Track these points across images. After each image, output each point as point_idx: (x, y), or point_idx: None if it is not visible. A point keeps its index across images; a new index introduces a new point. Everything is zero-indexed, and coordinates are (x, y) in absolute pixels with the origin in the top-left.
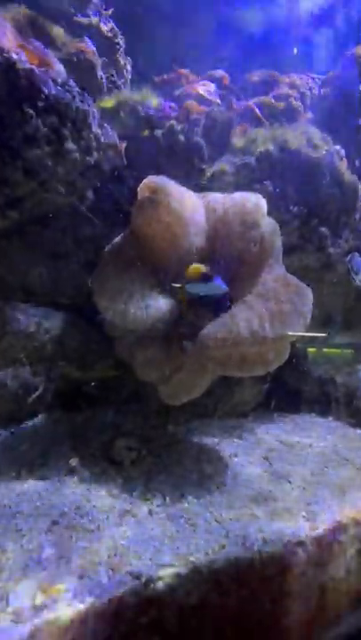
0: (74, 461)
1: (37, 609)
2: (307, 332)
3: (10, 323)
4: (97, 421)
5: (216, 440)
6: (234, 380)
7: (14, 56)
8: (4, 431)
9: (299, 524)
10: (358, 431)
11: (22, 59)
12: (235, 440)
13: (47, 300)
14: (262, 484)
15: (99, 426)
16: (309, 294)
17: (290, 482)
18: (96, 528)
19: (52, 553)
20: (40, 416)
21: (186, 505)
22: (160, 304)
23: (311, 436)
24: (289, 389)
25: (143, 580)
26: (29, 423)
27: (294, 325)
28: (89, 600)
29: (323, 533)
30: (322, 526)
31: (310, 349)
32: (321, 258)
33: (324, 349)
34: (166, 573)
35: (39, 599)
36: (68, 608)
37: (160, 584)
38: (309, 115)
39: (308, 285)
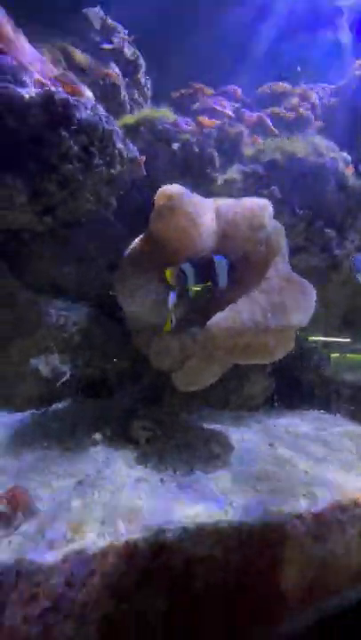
0: (97, 435)
1: (68, 541)
2: (324, 334)
3: (44, 315)
4: (117, 407)
5: (225, 427)
6: (244, 376)
7: (52, 88)
8: (36, 411)
9: (299, 501)
10: None
11: (59, 90)
12: (243, 428)
13: (74, 297)
14: (266, 465)
15: (119, 411)
16: (312, 291)
17: (293, 465)
18: (115, 489)
19: (79, 504)
20: (67, 400)
21: (194, 477)
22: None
23: (318, 428)
24: (299, 387)
25: (155, 530)
26: (58, 405)
27: (296, 318)
28: (109, 540)
29: (322, 511)
30: (321, 504)
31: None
32: (327, 259)
33: (349, 355)
34: (175, 527)
35: (69, 535)
36: (92, 544)
37: (170, 535)
38: (320, 123)
39: (315, 286)
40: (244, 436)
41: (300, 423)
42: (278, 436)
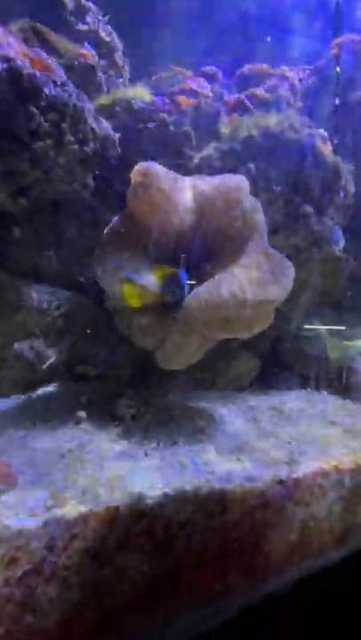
0: (81, 413)
1: (49, 508)
2: (305, 313)
3: (25, 299)
4: (103, 390)
5: (211, 405)
6: (231, 357)
7: (19, 63)
8: (22, 395)
9: (281, 469)
10: (349, 402)
11: (26, 65)
12: (228, 405)
13: (56, 282)
14: (250, 438)
15: (104, 393)
16: (290, 267)
17: (276, 437)
18: (98, 462)
19: (61, 476)
20: (53, 384)
21: (178, 449)
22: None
23: (302, 404)
24: (285, 367)
25: (136, 496)
26: (44, 389)
27: (274, 293)
28: (90, 506)
29: (303, 476)
30: (303, 470)
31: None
32: (307, 236)
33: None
34: (156, 494)
35: (50, 503)
36: (73, 509)
37: (150, 501)
38: (300, 104)
39: (296, 263)
40: (229, 412)
41: (286, 400)
42: (263, 411)
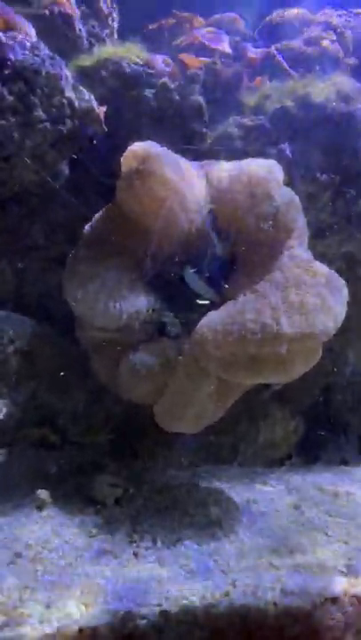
0: (43, 493)
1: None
2: None
3: None
4: (74, 460)
5: (231, 485)
6: (260, 412)
7: None
8: None
9: (334, 579)
10: None
11: None
12: (257, 486)
13: (12, 304)
14: (289, 533)
15: (76, 465)
16: (342, 287)
17: (327, 534)
18: (67, 564)
19: (15, 583)
20: (2, 451)
21: (182, 550)
22: (139, 299)
23: None
24: (338, 428)
25: (122, 615)
26: None
27: (320, 323)
28: (56, 626)
29: None
30: None
31: None
32: None
33: None
34: (151, 612)
35: (1, 620)
36: (32, 630)
37: (142, 622)
38: (352, 61)
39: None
40: (257, 496)
41: (342, 481)
42: (308, 496)
